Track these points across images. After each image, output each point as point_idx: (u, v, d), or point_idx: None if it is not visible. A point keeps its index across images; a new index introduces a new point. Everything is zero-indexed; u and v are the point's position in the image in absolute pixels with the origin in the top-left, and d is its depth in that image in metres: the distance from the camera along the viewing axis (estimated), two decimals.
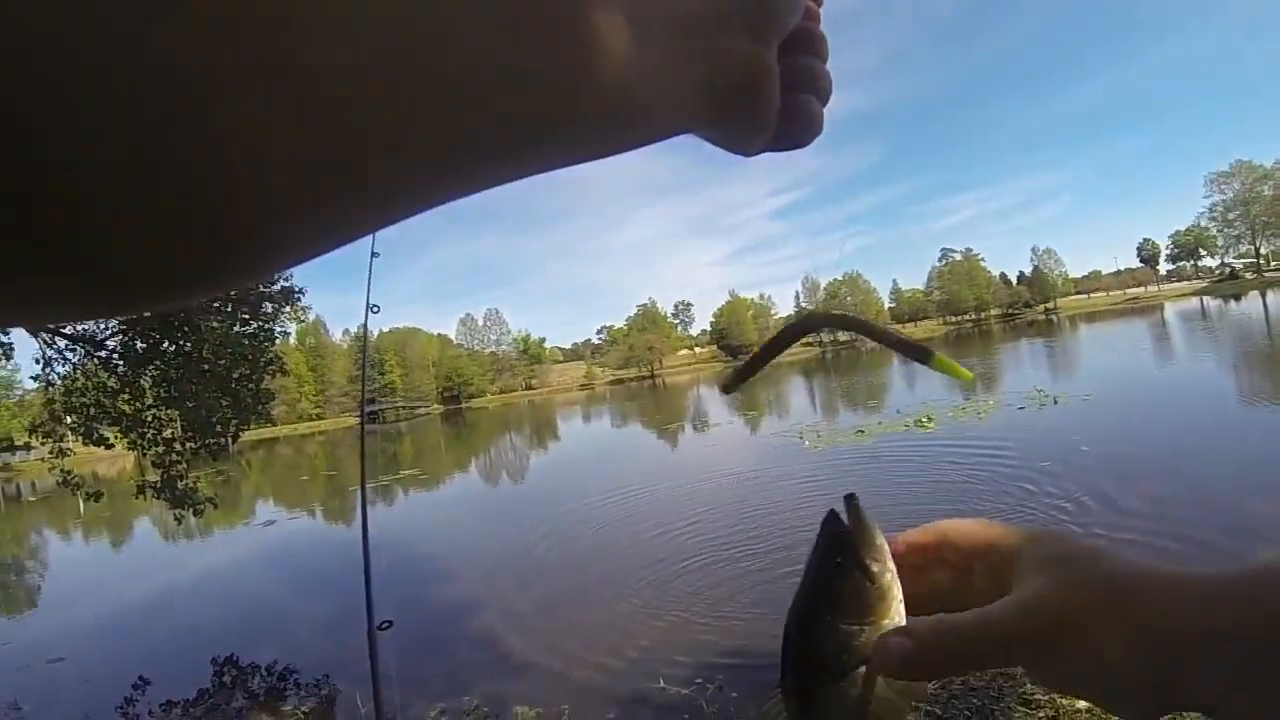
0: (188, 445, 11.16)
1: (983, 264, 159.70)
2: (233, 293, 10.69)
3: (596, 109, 0.35)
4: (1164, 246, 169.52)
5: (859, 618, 0.64)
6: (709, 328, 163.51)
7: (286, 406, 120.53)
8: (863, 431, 22.80)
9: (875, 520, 0.69)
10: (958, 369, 0.64)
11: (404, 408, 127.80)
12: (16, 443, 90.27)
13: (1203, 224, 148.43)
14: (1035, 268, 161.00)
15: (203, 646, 11.11)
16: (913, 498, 13.15)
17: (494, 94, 0.30)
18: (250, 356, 11.15)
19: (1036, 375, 31.70)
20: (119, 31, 0.21)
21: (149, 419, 10.95)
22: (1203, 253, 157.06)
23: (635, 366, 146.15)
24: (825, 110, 0.55)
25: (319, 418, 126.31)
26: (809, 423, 27.73)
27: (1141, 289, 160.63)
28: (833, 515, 0.70)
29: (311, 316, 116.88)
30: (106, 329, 10.95)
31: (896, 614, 0.63)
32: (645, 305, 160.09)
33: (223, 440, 11.30)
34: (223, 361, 10.69)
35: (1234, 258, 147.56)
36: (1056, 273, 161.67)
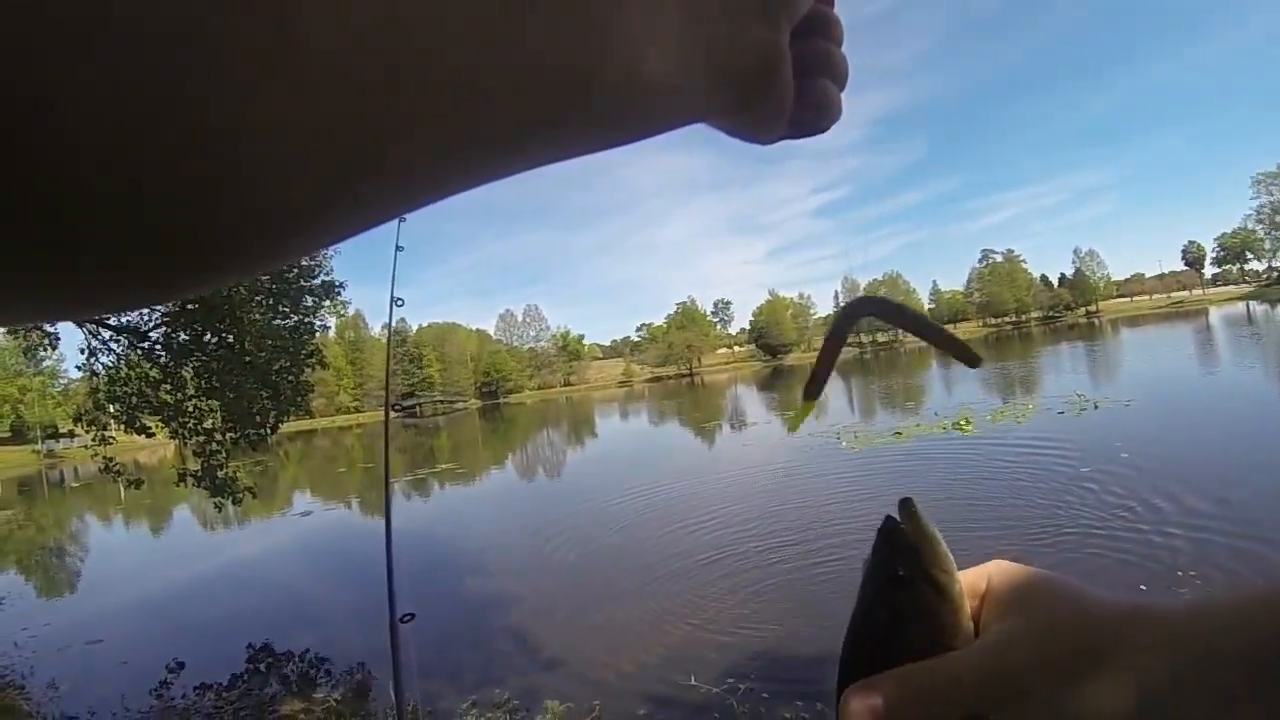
0: (228, 435, 11.28)
1: (1024, 265, 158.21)
2: (274, 285, 10.79)
3: (608, 97, 0.35)
4: (1209, 249, 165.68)
5: (929, 638, 0.56)
6: (748, 326, 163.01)
7: (325, 399, 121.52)
8: (900, 433, 22.70)
9: (936, 526, 0.61)
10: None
11: (442, 402, 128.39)
12: (61, 430, 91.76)
13: (1250, 226, 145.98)
14: (1077, 270, 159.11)
15: (238, 632, 11.24)
16: (951, 503, 13.06)
17: (503, 82, 0.30)
18: (290, 349, 11.24)
19: (1077, 380, 31.36)
20: (122, 16, 0.20)
21: (190, 409, 11.08)
22: (1249, 256, 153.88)
23: (674, 364, 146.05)
24: (850, 100, 0.53)
25: (357, 410, 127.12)
26: (846, 424, 27.60)
27: (1186, 292, 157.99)
28: (890, 523, 0.62)
29: (351, 310, 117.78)
30: (150, 321, 11.07)
31: (967, 633, 0.56)
32: (684, 303, 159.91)
33: (262, 431, 11.40)
34: (263, 354, 10.78)
35: None
36: (1099, 275, 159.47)
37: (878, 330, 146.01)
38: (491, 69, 0.29)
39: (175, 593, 14.42)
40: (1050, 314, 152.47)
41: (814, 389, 0.62)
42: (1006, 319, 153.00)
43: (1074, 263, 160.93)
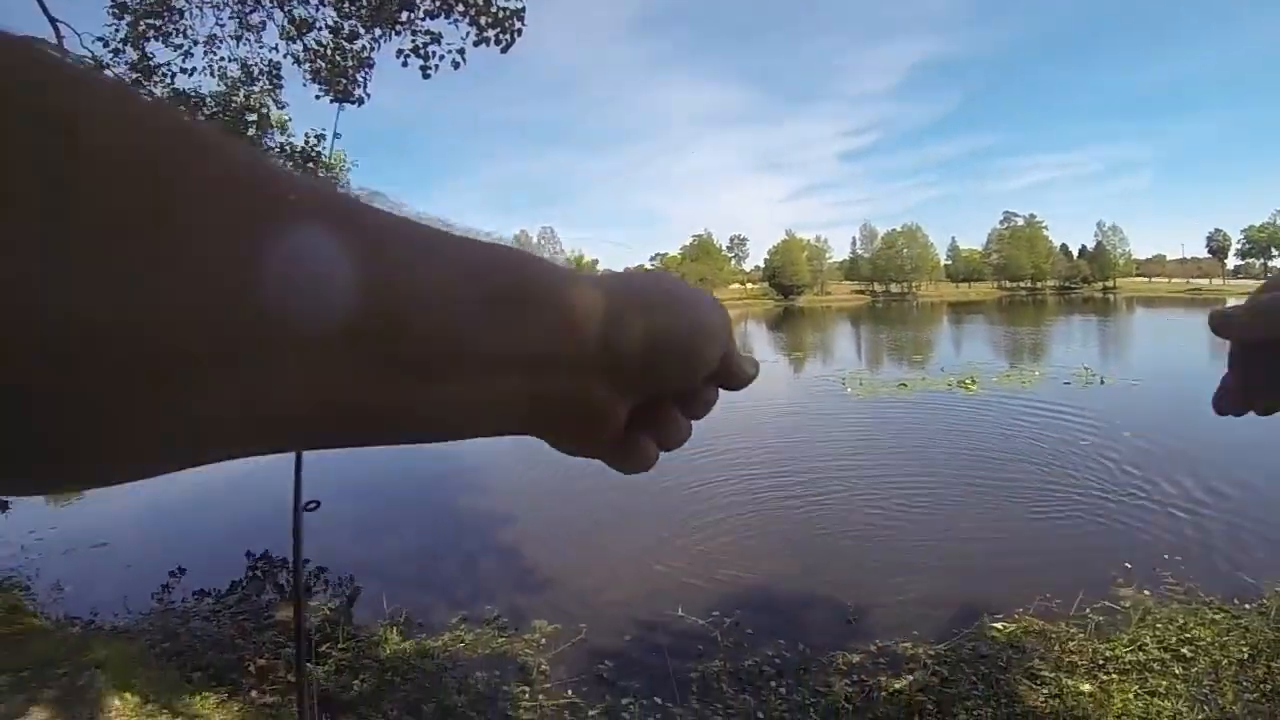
0: None
1: (1045, 232, 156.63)
2: None
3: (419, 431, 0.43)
4: (1235, 240, 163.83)
5: None
6: (762, 264, 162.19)
7: None
8: (905, 385, 22.80)
9: None
10: None
11: None
12: None
13: (1279, 223, 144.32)
14: (1099, 243, 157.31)
15: (240, 540, 11.38)
16: (946, 457, 13.18)
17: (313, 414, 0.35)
18: None
19: (1086, 354, 31.29)
20: None
21: None
22: (1275, 252, 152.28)
23: None
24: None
25: None
26: (853, 370, 27.68)
27: (1206, 280, 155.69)
28: None
29: None
30: None
31: None
32: (701, 236, 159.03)
33: None
34: None
35: None
36: (1120, 251, 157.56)
37: (892, 280, 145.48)
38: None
39: (181, 500, 14.53)
40: (1066, 284, 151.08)
41: None
42: (1022, 284, 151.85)
43: (1096, 236, 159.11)
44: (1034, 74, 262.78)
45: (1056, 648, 6.33)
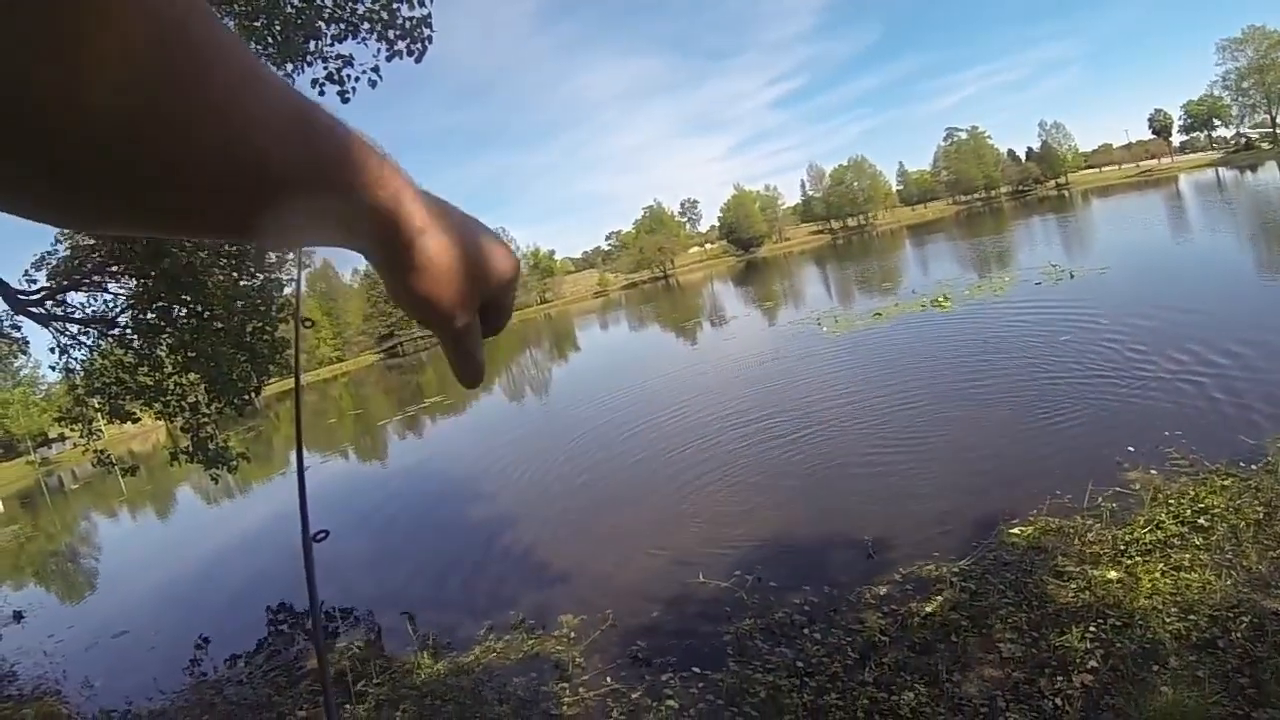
0: (213, 405, 11.23)
1: (990, 142, 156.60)
2: (233, 247, 10.68)
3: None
4: (1176, 118, 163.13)
5: None
6: (717, 223, 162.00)
7: (306, 354, 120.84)
8: (880, 314, 22.90)
9: None
10: None
11: (423, 337, 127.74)
12: (51, 436, 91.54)
13: (1216, 93, 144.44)
14: (1044, 143, 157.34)
15: (256, 598, 11.35)
16: (934, 374, 13.26)
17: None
18: (261, 308, 11.15)
19: (1050, 251, 31.45)
20: None
21: (171, 386, 11.02)
22: (1217, 123, 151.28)
23: (647, 269, 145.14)
24: None
25: (339, 360, 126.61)
26: (825, 309, 27.78)
27: (1155, 161, 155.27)
28: None
29: (319, 262, 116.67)
30: (115, 307, 10.98)
31: None
32: (651, 207, 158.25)
33: (246, 395, 11.35)
34: (234, 317, 10.69)
35: (1249, 127, 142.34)
36: (1066, 147, 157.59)
37: (847, 215, 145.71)
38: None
39: (190, 571, 14.49)
40: (1020, 188, 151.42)
41: None
42: (976, 196, 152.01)
43: (1040, 136, 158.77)
44: None
45: (1077, 541, 6.36)
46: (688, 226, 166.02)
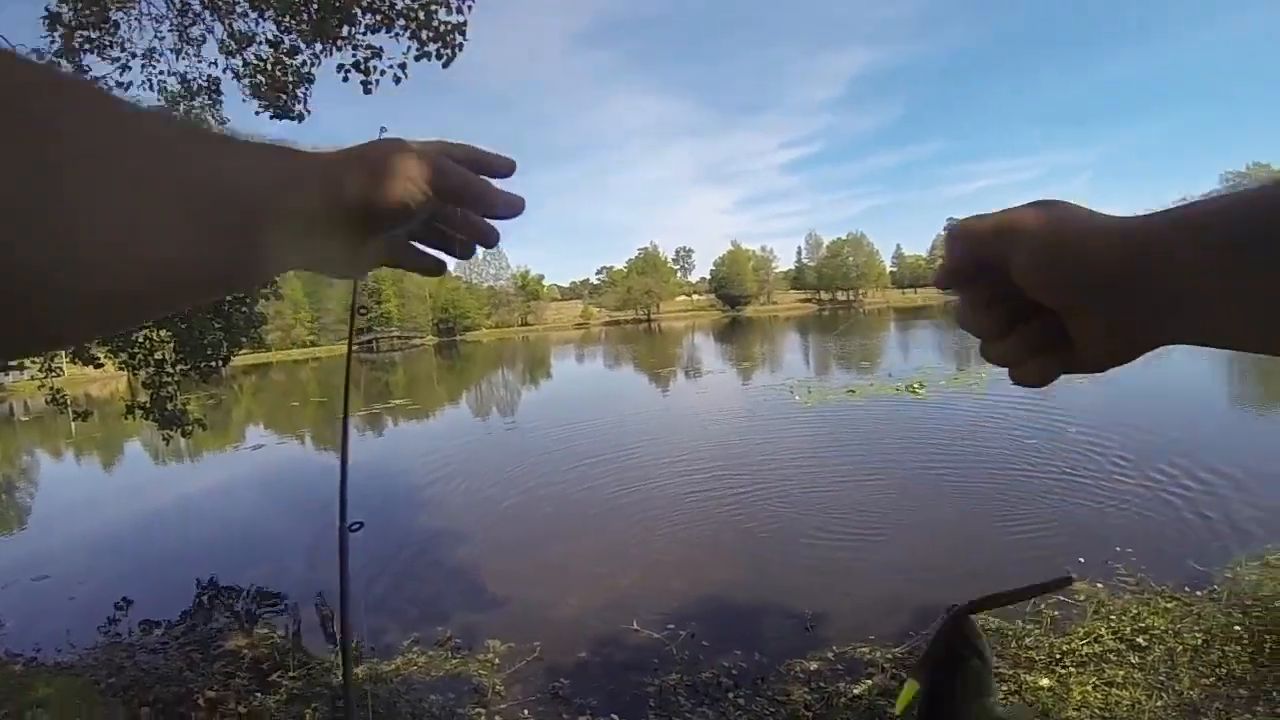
0: (178, 367, 11.10)
1: None
2: None
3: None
4: None
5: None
6: (709, 276, 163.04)
7: (281, 333, 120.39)
8: (854, 391, 22.93)
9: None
10: None
11: (399, 338, 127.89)
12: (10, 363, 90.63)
13: None
14: None
15: (187, 568, 11.20)
16: (893, 460, 13.27)
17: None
18: None
19: None
20: None
21: (140, 340, 10.87)
22: None
23: (632, 309, 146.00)
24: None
25: (313, 344, 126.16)
26: (801, 378, 27.88)
27: None
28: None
29: None
30: None
31: None
32: (646, 248, 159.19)
33: (214, 362, 11.22)
34: None
35: None
36: None
37: (838, 288, 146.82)
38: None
39: (125, 528, 14.29)
40: None
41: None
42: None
43: None
44: (975, 85, 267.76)
45: (1014, 644, 6.34)
46: (679, 274, 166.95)
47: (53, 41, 9.71)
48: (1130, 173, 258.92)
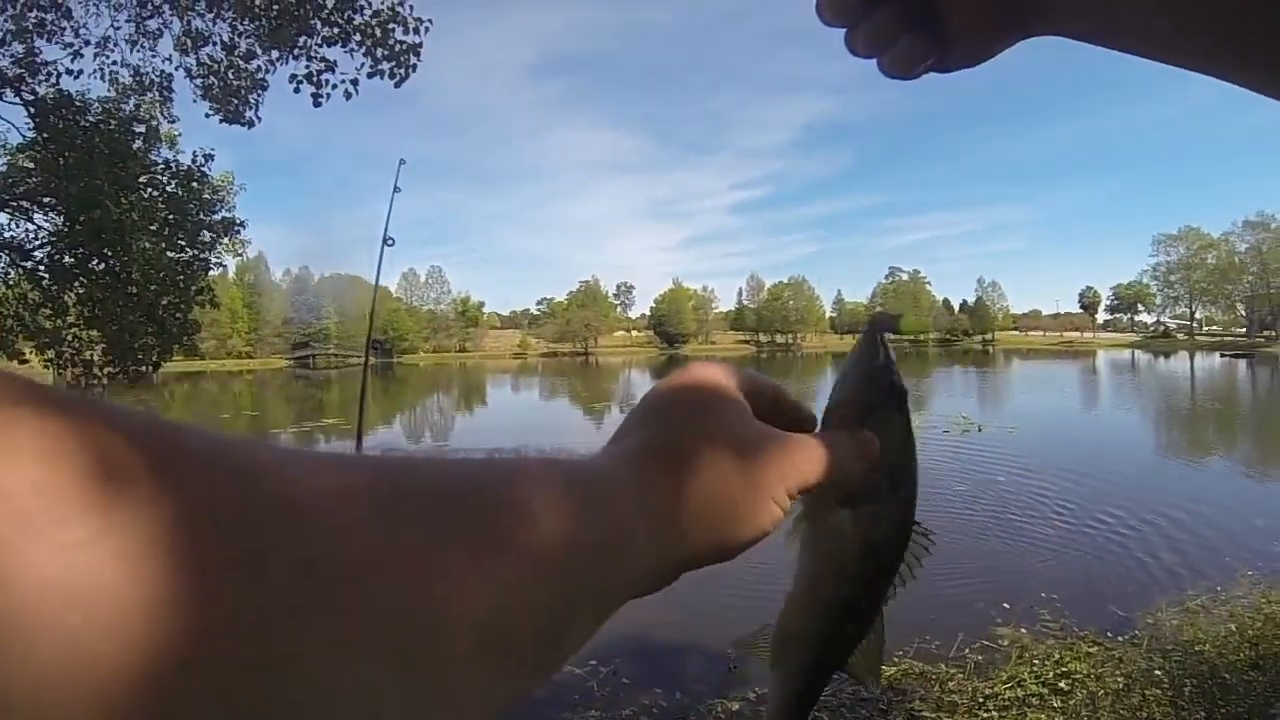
0: (106, 369, 10.86)
1: (928, 287, 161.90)
2: (170, 215, 10.46)
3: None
4: (1105, 297, 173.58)
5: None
6: (649, 312, 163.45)
7: (216, 341, 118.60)
8: None
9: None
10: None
11: (336, 355, 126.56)
12: None
13: (1145, 281, 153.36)
14: (979, 299, 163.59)
15: None
16: None
17: None
18: (181, 284, 10.87)
19: (966, 403, 32.21)
20: None
21: (69, 338, 10.65)
22: (1140, 308, 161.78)
23: (570, 341, 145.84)
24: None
25: (249, 356, 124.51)
26: None
27: (1078, 334, 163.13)
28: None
29: (254, 252, 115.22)
30: (36, 239, 10.65)
31: None
32: (588, 282, 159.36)
33: (144, 367, 10.99)
34: (152, 286, 10.39)
35: (1169, 317, 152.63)
36: (998, 306, 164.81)
37: (776, 331, 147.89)
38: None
39: None
40: (948, 337, 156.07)
41: None
42: (906, 337, 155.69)
43: (977, 291, 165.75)
44: (922, 140, 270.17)
45: (937, 688, 6.36)
46: (619, 309, 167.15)
47: (4, 21, 9.57)
48: (1068, 231, 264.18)
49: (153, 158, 10.71)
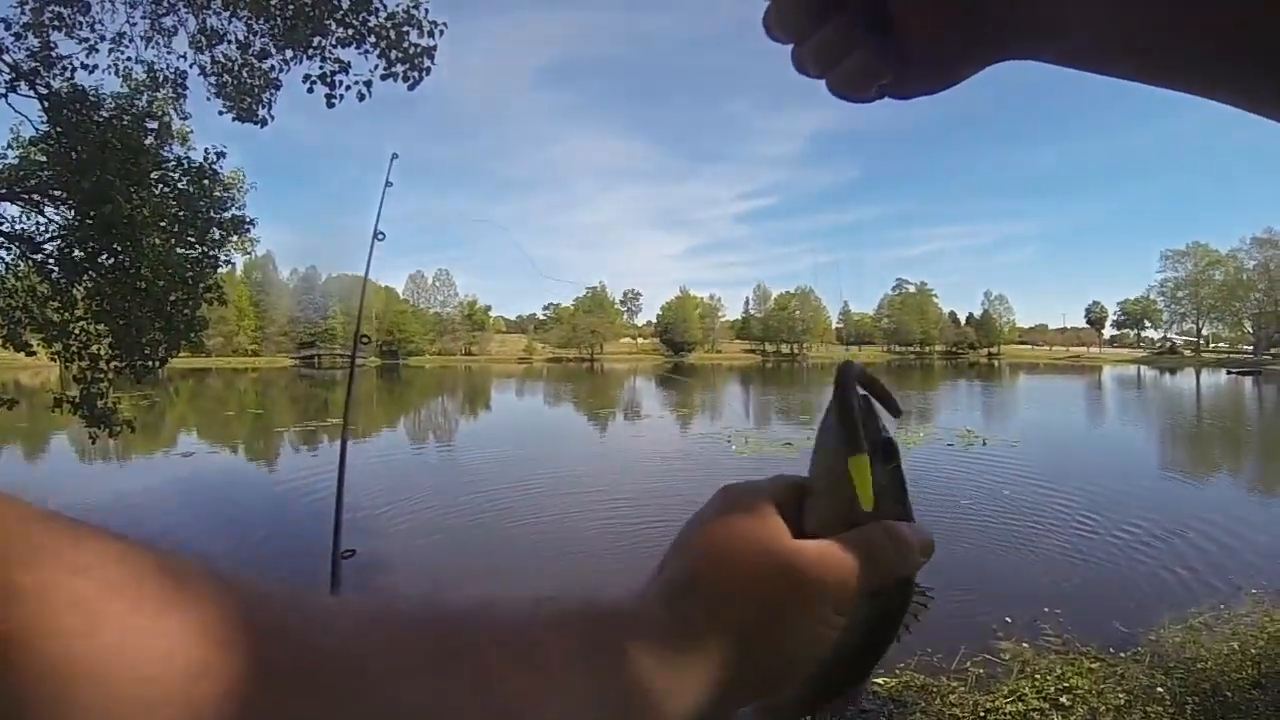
0: (113, 364, 10.85)
1: (935, 299, 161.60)
2: (180, 212, 10.46)
3: None
4: (1111, 312, 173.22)
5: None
6: (655, 320, 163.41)
7: (223, 339, 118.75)
8: (791, 444, 23.00)
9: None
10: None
11: (341, 355, 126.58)
12: None
13: (1152, 297, 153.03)
14: (985, 312, 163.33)
15: None
16: None
17: None
18: (190, 280, 10.86)
19: (970, 416, 32.25)
20: None
21: (77, 331, 10.63)
22: (1147, 324, 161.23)
23: (576, 347, 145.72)
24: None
25: (255, 354, 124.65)
26: (740, 429, 27.97)
27: (1084, 349, 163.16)
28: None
29: (262, 251, 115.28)
30: (46, 232, 10.65)
31: None
32: (595, 288, 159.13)
33: (150, 362, 10.98)
34: (160, 282, 10.37)
35: (1176, 333, 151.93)
36: (1005, 320, 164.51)
37: (782, 341, 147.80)
38: None
39: None
40: (954, 350, 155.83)
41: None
42: (911, 348, 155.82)
43: (983, 305, 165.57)
44: (932, 152, 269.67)
45: (938, 701, 6.36)
46: (625, 316, 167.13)
47: (22, 13, 9.61)
48: (1075, 246, 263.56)
49: (164, 154, 10.72)
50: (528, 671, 0.40)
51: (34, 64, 9.61)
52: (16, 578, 0.27)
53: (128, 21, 10.39)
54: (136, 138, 9.81)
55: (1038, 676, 6.65)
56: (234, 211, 11.68)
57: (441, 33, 10.23)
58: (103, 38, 10.22)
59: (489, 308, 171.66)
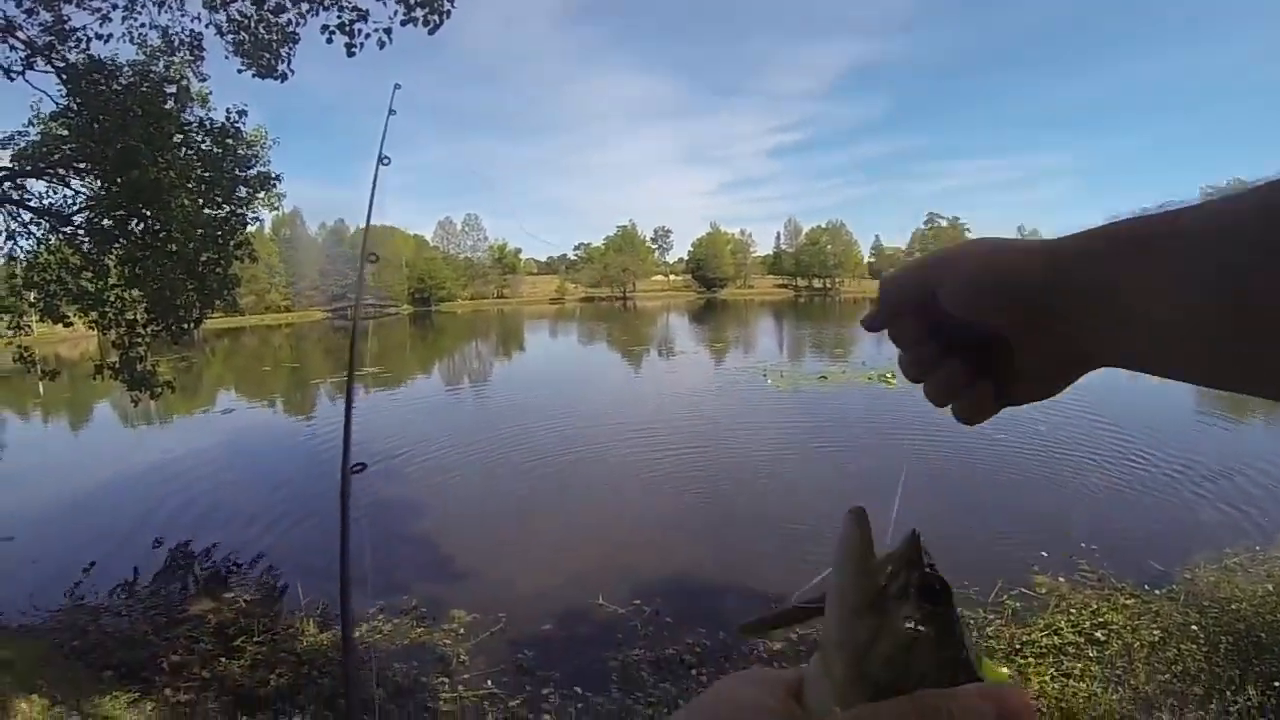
0: (149, 328, 10.95)
1: (967, 233, 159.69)
2: (206, 173, 10.49)
3: None
4: None
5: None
6: (686, 256, 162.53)
7: (255, 297, 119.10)
8: (825, 378, 23.01)
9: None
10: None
11: (373, 305, 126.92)
12: None
13: None
14: None
15: (153, 532, 11.13)
16: (861, 443, 13.33)
17: None
18: (219, 240, 10.91)
19: None
20: None
21: (111, 299, 10.71)
22: None
23: (608, 286, 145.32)
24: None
25: (287, 310, 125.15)
26: (774, 363, 27.96)
27: None
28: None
29: (289, 207, 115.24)
30: (74, 204, 10.70)
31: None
32: (625, 226, 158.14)
33: (186, 323, 11.08)
34: (191, 243, 10.43)
35: None
36: None
37: (815, 276, 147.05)
38: None
39: (92, 490, 14.14)
40: None
41: (750, 631, 0.58)
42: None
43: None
44: (961, 83, 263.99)
45: (975, 632, 6.41)
46: (656, 254, 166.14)
47: None
48: (1111, 180, 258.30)
49: (186, 116, 10.71)
50: None
51: (49, 38, 9.58)
52: None
53: None
54: (157, 103, 9.80)
55: (1073, 611, 6.69)
56: (259, 168, 11.69)
57: None
58: (115, 5, 10.15)
59: (519, 250, 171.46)
